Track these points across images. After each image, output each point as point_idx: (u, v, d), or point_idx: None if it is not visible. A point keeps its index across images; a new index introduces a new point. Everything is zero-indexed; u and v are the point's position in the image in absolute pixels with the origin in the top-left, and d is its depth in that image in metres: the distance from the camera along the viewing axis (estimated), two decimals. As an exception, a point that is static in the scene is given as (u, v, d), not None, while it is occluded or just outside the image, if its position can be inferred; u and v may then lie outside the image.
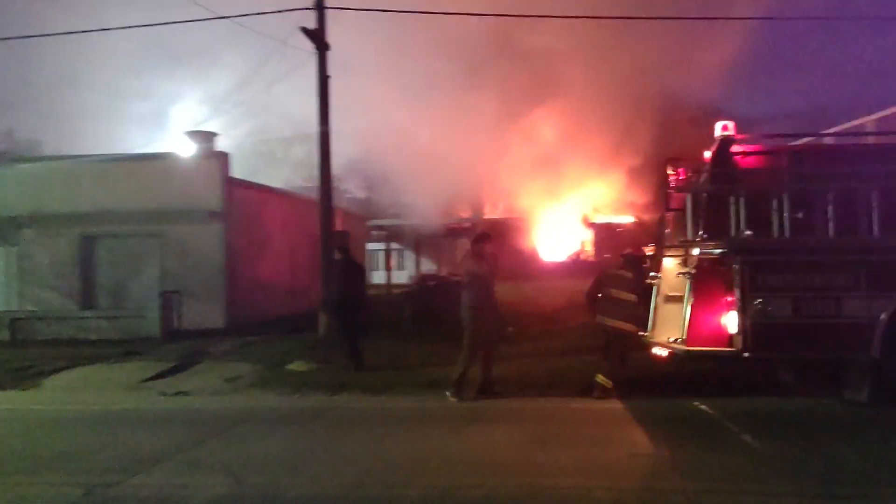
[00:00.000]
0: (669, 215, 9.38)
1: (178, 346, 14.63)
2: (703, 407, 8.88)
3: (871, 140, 10.32)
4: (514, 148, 40.83)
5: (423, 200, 44.02)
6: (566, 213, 44.35)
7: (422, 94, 37.44)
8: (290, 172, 39.60)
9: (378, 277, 34.67)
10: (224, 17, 18.68)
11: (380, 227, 37.79)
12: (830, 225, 7.28)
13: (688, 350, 7.48)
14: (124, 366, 12.89)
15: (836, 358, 7.34)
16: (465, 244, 40.02)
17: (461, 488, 6.03)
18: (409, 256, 43.31)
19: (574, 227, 44.86)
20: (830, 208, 7.26)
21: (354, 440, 7.75)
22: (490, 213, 44.20)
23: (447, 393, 9.74)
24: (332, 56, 14.39)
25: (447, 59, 38.15)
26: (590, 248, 44.69)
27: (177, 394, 10.82)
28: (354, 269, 12.69)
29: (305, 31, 13.89)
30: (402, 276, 38.26)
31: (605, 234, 44.47)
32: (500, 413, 9.02)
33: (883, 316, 6.99)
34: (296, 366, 12.37)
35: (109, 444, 7.76)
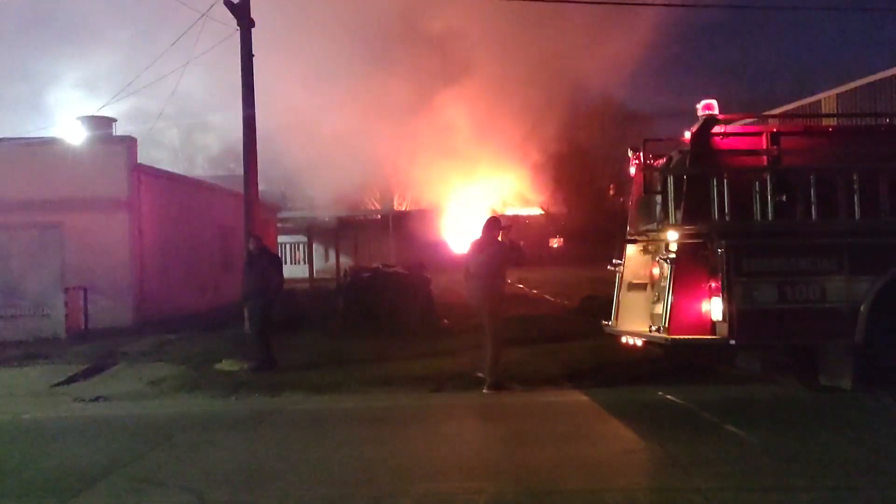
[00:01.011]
0: (632, 199, 9.09)
1: (88, 347, 13.35)
2: (670, 397, 8.64)
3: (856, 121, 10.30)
4: (422, 138, 40.36)
5: (328, 192, 42.92)
6: (475, 205, 44.24)
7: (324, 79, 36.37)
8: (186, 161, 37.75)
9: (290, 271, 33.44)
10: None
11: (287, 220, 36.52)
12: (813, 207, 7.09)
13: (672, 339, 7.14)
14: (29, 370, 11.59)
15: (820, 343, 7.18)
16: (374, 236, 39.41)
17: (458, 494, 5.47)
18: (317, 250, 42.02)
19: (483, 220, 44.78)
20: (813, 190, 7.08)
21: (318, 445, 7.01)
22: (400, 205, 43.61)
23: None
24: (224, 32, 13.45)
25: (349, 44, 37.22)
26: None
27: (96, 399, 9.73)
28: (274, 260, 11.88)
29: (229, 4, 12.91)
30: (307, 270, 37.02)
31: (514, 225, 44.61)
32: (466, 409, 8.52)
33: (866, 300, 6.87)
34: (225, 365, 11.42)
35: (34, 460, 6.74)
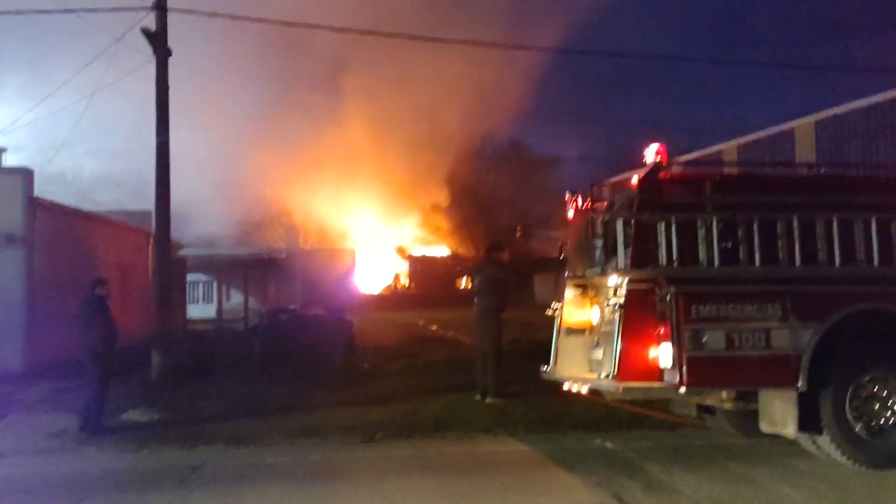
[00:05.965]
0: (571, 242, 9.03)
1: (-28, 395, 12.16)
2: (609, 444, 8.53)
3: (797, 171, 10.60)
4: (326, 176, 40.05)
5: (228, 229, 41.72)
6: (381, 245, 43.92)
7: (225, 112, 35.69)
8: (78, 195, 35.84)
9: (194, 311, 32.04)
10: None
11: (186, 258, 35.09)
12: (757, 255, 7.16)
13: (622, 386, 7.01)
14: None
15: (765, 390, 7.19)
16: (278, 275, 38.36)
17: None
18: (217, 289, 40.53)
19: (389, 259, 44.52)
20: (757, 237, 7.16)
21: (252, 506, 6.49)
22: (305, 244, 42.80)
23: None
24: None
25: (249, 76, 36.77)
26: (405, 280, 44.47)
27: (-14, 455, 8.80)
28: (92, 313, 9.96)
29: (146, 32, 12.29)
30: (210, 310, 35.60)
31: (421, 265, 44.59)
32: (402, 461, 8.10)
33: (807, 348, 6.94)
34: (133, 415, 10.58)
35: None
